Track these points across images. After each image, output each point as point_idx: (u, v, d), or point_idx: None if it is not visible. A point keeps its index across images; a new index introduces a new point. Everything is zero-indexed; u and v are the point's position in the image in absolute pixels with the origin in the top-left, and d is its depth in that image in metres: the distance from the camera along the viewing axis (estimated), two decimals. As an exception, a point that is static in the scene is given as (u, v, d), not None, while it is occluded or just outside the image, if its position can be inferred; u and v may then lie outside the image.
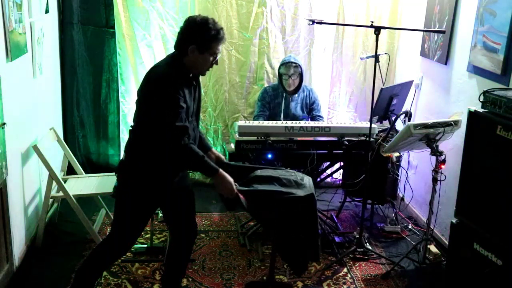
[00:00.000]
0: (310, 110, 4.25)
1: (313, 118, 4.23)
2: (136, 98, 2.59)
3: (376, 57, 3.46)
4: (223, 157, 2.90)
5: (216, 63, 2.54)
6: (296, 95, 4.17)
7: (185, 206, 2.78)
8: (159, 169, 2.52)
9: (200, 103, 2.70)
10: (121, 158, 2.62)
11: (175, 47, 2.53)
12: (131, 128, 2.59)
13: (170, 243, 2.91)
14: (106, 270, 3.23)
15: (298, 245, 2.72)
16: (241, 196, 2.57)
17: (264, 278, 3.27)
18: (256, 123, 3.62)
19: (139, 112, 2.53)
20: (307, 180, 2.79)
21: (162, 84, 2.39)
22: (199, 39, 2.43)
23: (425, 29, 4.06)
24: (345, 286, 3.27)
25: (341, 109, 4.85)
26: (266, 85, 4.56)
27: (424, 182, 4.04)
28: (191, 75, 2.54)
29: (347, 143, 3.59)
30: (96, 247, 2.81)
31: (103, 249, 2.69)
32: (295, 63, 4.04)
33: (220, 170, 2.51)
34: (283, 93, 4.13)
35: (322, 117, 4.27)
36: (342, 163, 4.13)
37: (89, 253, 2.80)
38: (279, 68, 4.12)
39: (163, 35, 4.44)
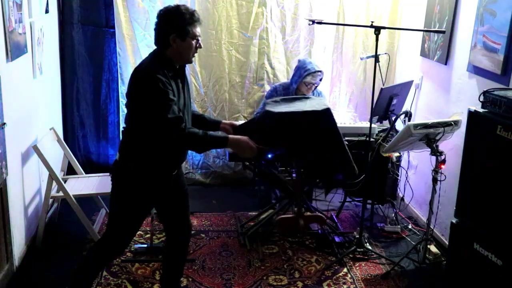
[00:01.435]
0: None
1: None
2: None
3: (376, 57, 3.45)
4: (236, 122, 2.91)
5: (200, 46, 2.52)
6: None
7: (179, 206, 2.77)
8: (152, 169, 2.52)
9: (190, 97, 2.68)
10: (115, 159, 2.62)
11: (155, 43, 2.51)
12: (123, 129, 2.59)
13: (166, 243, 2.91)
14: (102, 269, 3.22)
15: (328, 165, 2.71)
16: (261, 147, 2.60)
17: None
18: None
19: (130, 113, 2.51)
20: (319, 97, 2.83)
21: (148, 80, 2.36)
22: (176, 26, 2.43)
23: (425, 29, 4.06)
24: (345, 286, 3.27)
25: (341, 109, 4.85)
26: (266, 85, 4.56)
27: (424, 182, 4.03)
28: (177, 67, 2.52)
29: (347, 143, 3.59)
30: (92, 246, 2.80)
31: (99, 248, 2.69)
32: (320, 70, 3.97)
33: (230, 136, 2.53)
34: (294, 94, 4.08)
35: None
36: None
37: (85, 253, 2.78)
38: (305, 77, 3.91)
39: (163, 35, 4.44)
